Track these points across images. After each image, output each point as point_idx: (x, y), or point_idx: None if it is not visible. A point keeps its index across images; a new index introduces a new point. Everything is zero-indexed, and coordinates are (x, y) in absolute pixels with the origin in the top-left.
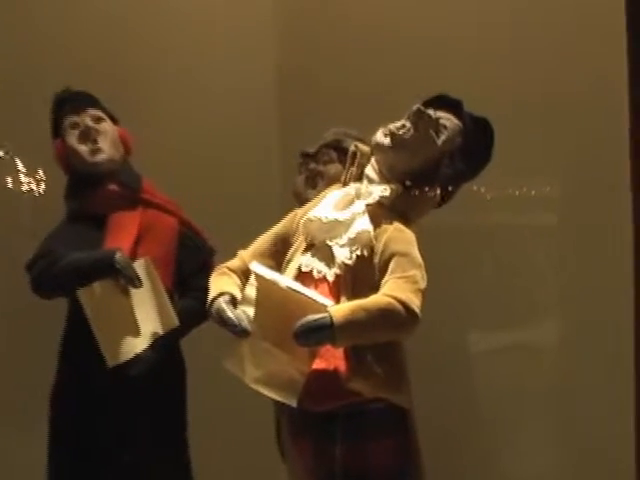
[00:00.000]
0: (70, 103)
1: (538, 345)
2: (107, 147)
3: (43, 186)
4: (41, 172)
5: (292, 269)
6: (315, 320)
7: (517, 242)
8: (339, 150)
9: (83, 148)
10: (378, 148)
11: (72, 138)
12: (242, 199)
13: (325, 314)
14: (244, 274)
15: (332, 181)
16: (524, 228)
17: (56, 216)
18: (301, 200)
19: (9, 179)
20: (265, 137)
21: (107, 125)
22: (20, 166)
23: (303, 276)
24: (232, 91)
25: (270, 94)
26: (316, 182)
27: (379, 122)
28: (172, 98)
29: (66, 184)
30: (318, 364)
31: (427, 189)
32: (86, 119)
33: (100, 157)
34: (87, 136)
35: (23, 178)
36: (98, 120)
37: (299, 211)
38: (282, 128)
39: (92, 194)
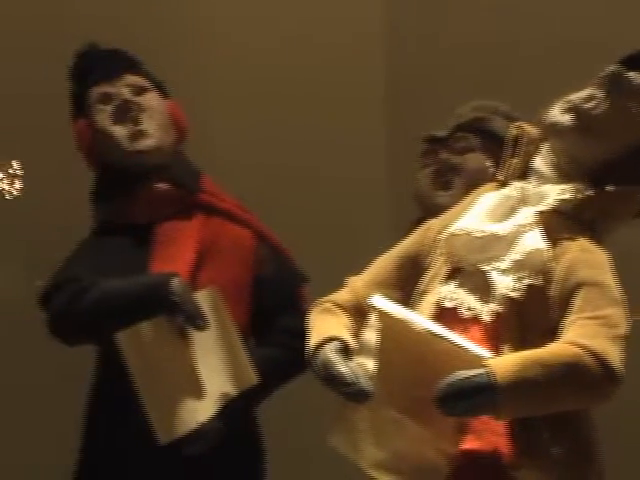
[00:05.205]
0: (100, 66)
1: None
2: (154, 129)
3: (18, 185)
4: (16, 165)
5: (428, 304)
6: (468, 378)
7: None
8: (482, 133)
9: (119, 131)
10: (555, 130)
11: (102, 116)
12: (334, 205)
13: (482, 370)
14: (358, 312)
15: (473, 178)
16: None
17: (42, 228)
18: (427, 205)
19: None
20: (366, 111)
21: (153, 98)
22: None
23: (445, 314)
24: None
25: (374, 50)
26: (449, 180)
27: (538, 92)
28: (235, 61)
29: (94, 183)
30: (470, 443)
31: (627, 190)
32: (123, 89)
33: (144, 143)
34: (125, 113)
35: None
36: (140, 91)
37: (435, 222)
38: (390, 99)
39: (132, 196)
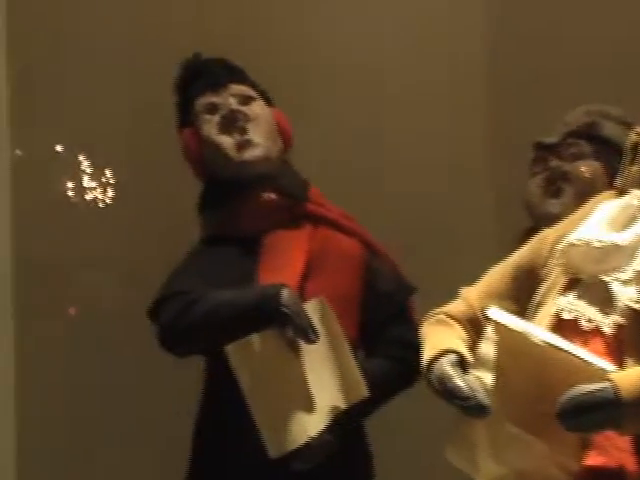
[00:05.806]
0: (205, 76)
1: None
2: (261, 139)
3: (111, 193)
4: (109, 174)
5: (546, 316)
6: (591, 393)
7: None
8: (594, 139)
9: (226, 140)
10: None
11: (209, 126)
12: (438, 214)
13: (606, 384)
14: (472, 324)
15: (584, 186)
16: None
17: (147, 238)
18: (537, 214)
19: (69, 184)
20: (471, 118)
21: (259, 107)
22: (84, 165)
23: (564, 326)
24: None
25: (479, 53)
26: (559, 188)
27: None
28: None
29: (201, 193)
30: (593, 459)
31: None
32: (229, 99)
33: (251, 153)
34: (232, 123)
35: (87, 182)
36: (247, 100)
37: (551, 232)
38: (496, 104)
39: (239, 206)
